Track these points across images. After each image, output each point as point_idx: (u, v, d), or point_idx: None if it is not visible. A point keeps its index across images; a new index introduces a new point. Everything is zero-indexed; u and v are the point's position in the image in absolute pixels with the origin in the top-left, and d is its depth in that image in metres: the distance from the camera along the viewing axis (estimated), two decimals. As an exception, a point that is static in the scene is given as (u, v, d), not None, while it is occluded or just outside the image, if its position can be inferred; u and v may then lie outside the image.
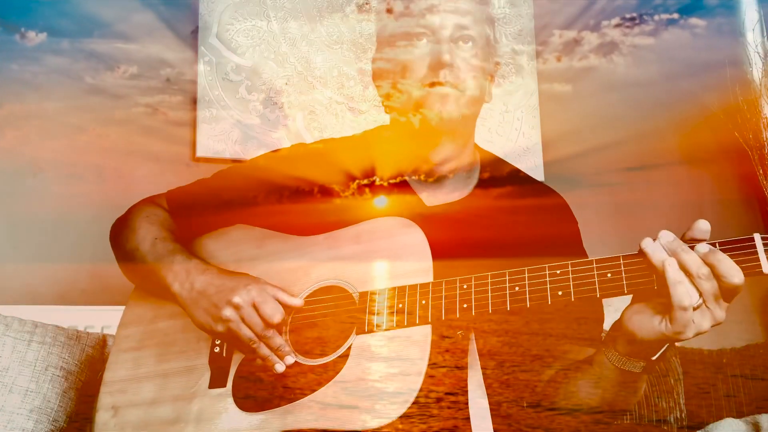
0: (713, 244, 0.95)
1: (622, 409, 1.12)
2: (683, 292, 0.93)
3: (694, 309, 0.94)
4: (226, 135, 2.26)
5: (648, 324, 0.99)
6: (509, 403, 1.11)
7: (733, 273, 0.92)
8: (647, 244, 0.97)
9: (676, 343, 1.03)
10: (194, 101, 2.29)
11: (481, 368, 1.08)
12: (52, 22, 2.21)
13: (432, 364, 1.03)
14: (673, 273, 0.94)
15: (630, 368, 1.04)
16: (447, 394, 1.04)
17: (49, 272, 2.06)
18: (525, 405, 1.13)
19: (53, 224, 2.11)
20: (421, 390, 1.00)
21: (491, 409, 1.06)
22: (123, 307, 1.36)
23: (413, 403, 0.99)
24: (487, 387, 1.08)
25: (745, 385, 1.76)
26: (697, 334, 0.95)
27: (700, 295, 0.94)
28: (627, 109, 2.62)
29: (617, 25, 2.59)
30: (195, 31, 2.33)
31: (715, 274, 0.93)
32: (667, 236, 0.97)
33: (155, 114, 2.25)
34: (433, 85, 1.22)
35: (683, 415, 1.77)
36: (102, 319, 1.98)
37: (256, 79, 2.32)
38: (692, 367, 1.82)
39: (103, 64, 2.24)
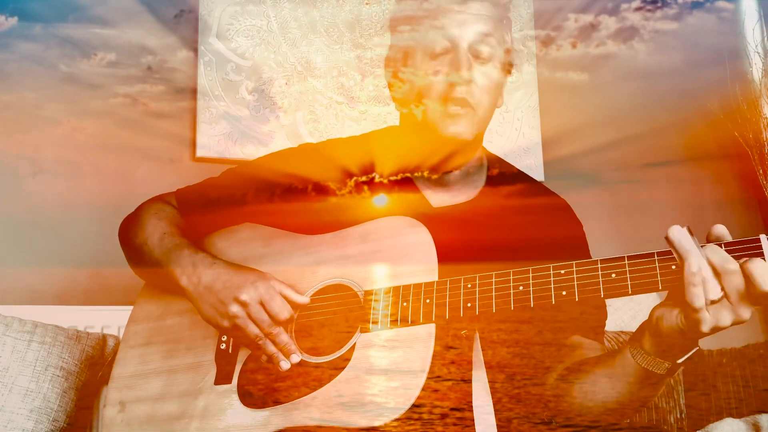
0: (719, 245, 0.93)
1: (635, 409, 1.09)
2: (696, 293, 0.91)
3: (714, 302, 0.91)
4: (226, 134, 2.26)
5: (668, 316, 0.96)
6: (520, 420, 1.08)
7: (766, 279, 0.89)
8: (675, 232, 0.93)
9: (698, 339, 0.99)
10: (177, 91, 2.20)
11: (490, 382, 1.06)
12: (24, 6, 2.09)
13: (436, 378, 1.01)
14: (689, 272, 0.91)
15: (654, 369, 1.01)
16: (452, 410, 1.03)
17: (49, 273, 2.03)
18: (538, 421, 1.11)
19: (53, 224, 2.08)
20: (424, 406, 0.99)
21: (501, 426, 1.04)
22: (123, 307, 1.37)
23: (416, 420, 0.99)
24: (497, 402, 1.06)
25: (746, 385, 1.76)
26: (715, 330, 0.92)
27: (723, 290, 0.91)
28: (646, 100, 2.51)
29: (638, 9, 2.44)
30: (178, 16, 2.23)
31: (746, 275, 0.90)
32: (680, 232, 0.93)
33: (135, 105, 2.14)
34: (446, 101, 1.20)
35: (683, 415, 1.77)
36: (102, 319, 1.98)
37: (255, 78, 2.31)
38: (692, 366, 1.82)
39: (79, 50, 2.13)
